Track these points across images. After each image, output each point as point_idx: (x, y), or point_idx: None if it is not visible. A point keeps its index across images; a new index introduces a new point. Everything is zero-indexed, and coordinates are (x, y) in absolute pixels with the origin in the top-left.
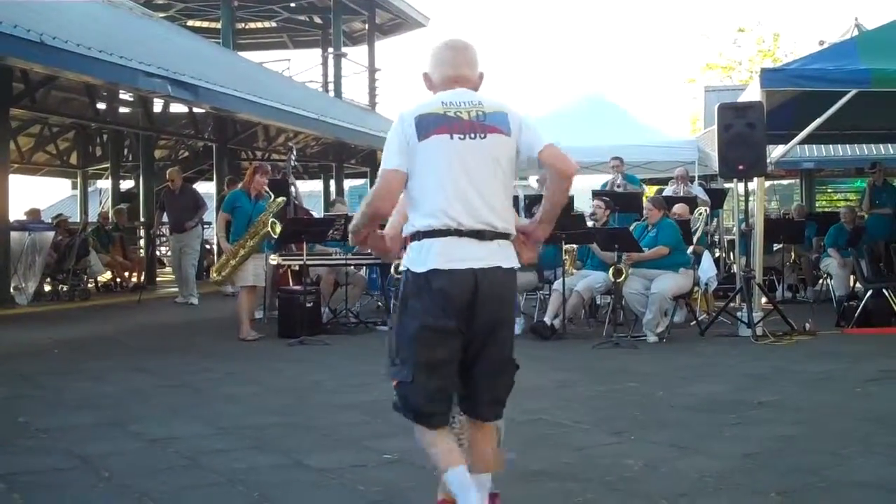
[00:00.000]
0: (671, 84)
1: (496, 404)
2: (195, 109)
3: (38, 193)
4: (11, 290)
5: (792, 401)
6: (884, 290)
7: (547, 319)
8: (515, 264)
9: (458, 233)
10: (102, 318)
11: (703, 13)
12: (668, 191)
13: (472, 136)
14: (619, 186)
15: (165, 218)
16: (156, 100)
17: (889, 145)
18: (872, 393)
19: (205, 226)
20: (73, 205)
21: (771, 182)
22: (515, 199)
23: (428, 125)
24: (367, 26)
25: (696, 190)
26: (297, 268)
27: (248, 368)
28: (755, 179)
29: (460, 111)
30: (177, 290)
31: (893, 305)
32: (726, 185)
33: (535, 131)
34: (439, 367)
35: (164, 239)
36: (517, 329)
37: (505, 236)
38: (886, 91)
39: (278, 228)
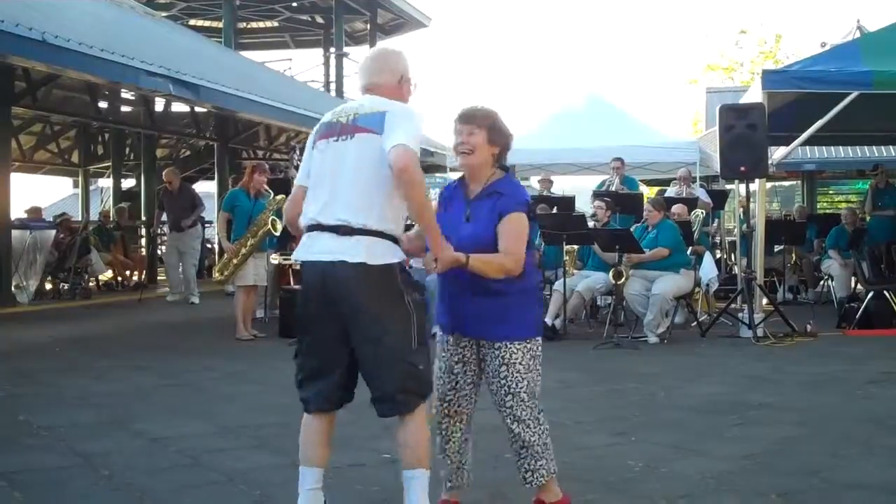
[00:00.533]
0: (672, 85)
1: (386, 401)
2: (197, 108)
3: (40, 192)
4: (13, 288)
5: (793, 402)
6: (885, 292)
7: (548, 320)
8: (372, 260)
9: (320, 227)
10: (103, 316)
11: (705, 14)
12: (671, 192)
13: (343, 138)
14: (620, 189)
15: (165, 217)
16: (157, 99)
17: (891, 147)
18: (873, 394)
19: (205, 225)
20: (75, 203)
21: (772, 183)
22: None
23: (318, 134)
24: (368, 26)
25: (698, 191)
26: (298, 266)
27: (250, 367)
28: (756, 181)
29: (341, 117)
30: (171, 288)
31: (895, 307)
32: (728, 187)
33: (396, 129)
34: (308, 350)
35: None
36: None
37: (370, 232)
38: (888, 93)
39: (279, 226)
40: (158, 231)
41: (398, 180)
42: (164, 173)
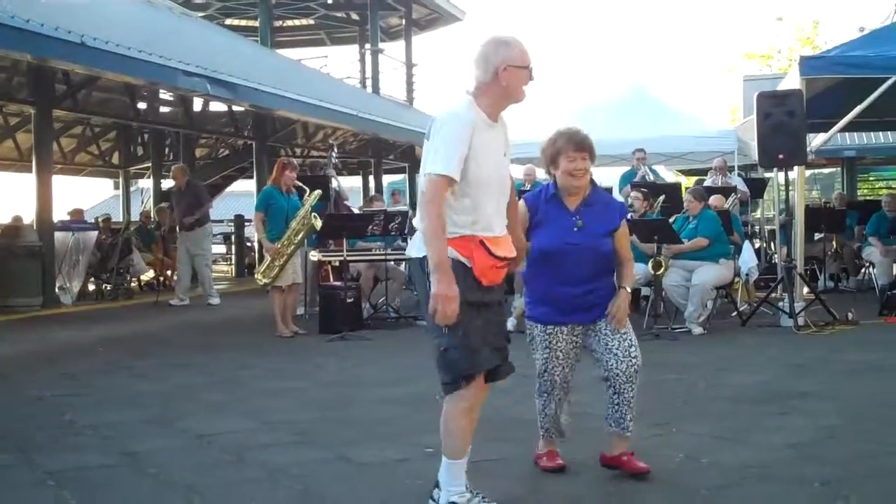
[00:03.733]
0: (711, 75)
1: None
2: (234, 107)
3: (82, 194)
4: (56, 289)
5: (834, 391)
6: None
7: None
8: (414, 253)
9: None
10: (146, 316)
11: (743, 1)
12: (708, 181)
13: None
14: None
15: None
16: (195, 98)
17: None
18: None
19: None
20: (116, 204)
21: (812, 171)
22: None
23: None
24: (403, 21)
25: (735, 180)
26: (337, 264)
27: (291, 364)
28: (795, 168)
29: None
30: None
31: None
32: (766, 175)
33: (429, 151)
34: None
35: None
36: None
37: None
38: None
39: (320, 223)
40: (162, 233)
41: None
42: (172, 170)
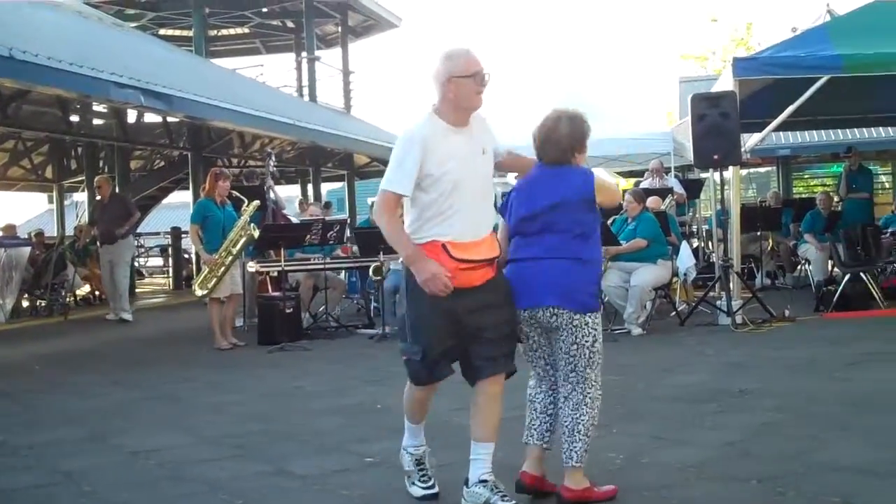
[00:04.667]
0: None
1: None
2: (169, 118)
3: (15, 209)
4: None
5: (772, 387)
6: (861, 274)
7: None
8: None
9: None
10: (82, 332)
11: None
12: (644, 183)
13: None
14: None
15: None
16: (129, 110)
17: (864, 129)
18: (851, 377)
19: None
20: (51, 219)
21: (748, 170)
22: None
23: None
24: (339, 29)
25: (672, 181)
26: (275, 274)
27: (230, 377)
28: (730, 168)
29: None
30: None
31: (871, 289)
32: (703, 176)
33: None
34: None
35: (143, 250)
36: None
37: None
38: (859, 76)
39: (257, 233)
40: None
41: None
42: (95, 180)
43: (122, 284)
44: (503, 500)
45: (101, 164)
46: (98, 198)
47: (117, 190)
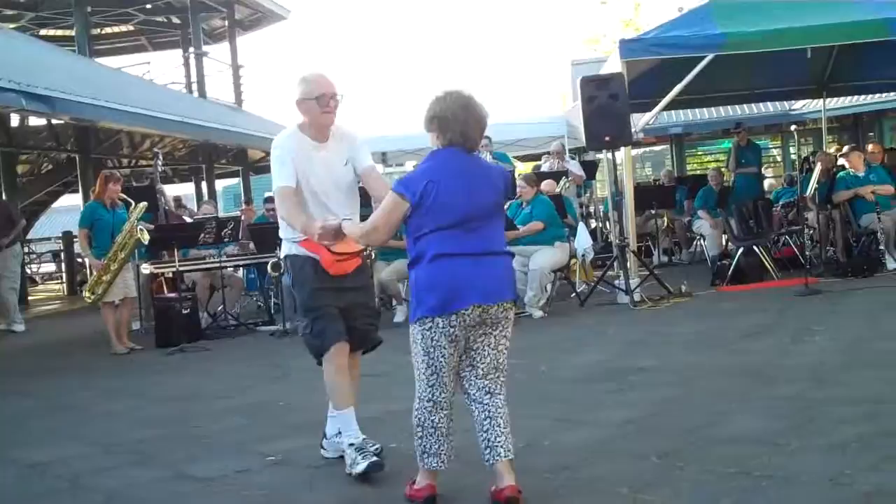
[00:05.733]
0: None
1: None
2: (54, 121)
3: None
4: None
5: (670, 363)
6: (754, 247)
7: None
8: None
9: None
10: None
11: None
12: (544, 166)
13: None
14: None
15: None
16: (12, 114)
17: (752, 105)
18: (747, 349)
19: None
20: None
21: (642, 149)
22: None
23: None
24: (226, 23)
25: (571, 164)
26: (171, 275)
27: (128, 382)
28: (622, 149)
29: None
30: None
31: (764, 261)
32: (598, 157)
33: None
34: None
35: (35, 257)
36: (400, 317)
37: None
38: (744, 53)
39: (147, 236)
40: None
41: None
42: None
43: (8, 297)
44: (363, 458)
45: None
46: None
47: (3, 196)
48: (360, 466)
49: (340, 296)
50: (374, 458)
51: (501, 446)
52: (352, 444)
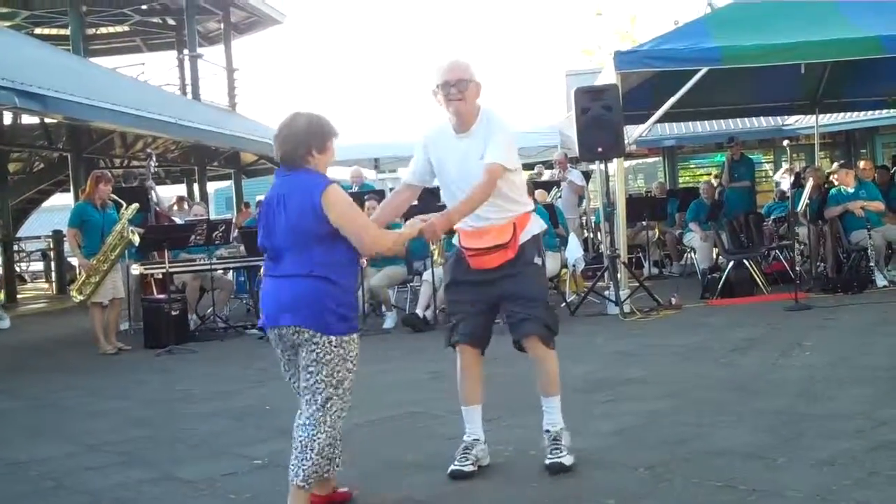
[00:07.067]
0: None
1: None
2: (47, 120)
3: None
4: None
5: (659, 375)
6: (745, 261)
7: (419, 311)
8: None
9: None
10: None
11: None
12: (546, 175)
13: None
14: None
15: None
16: (5, 112)
17: (746, 119)
18: (736, 362)
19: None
20: None
21: (635, 161)
22: None
23: None
24: (222, 26)
25: (573, 174)
26: (160, 276)
27: (115, 383)
28: (615, 160)
29: None
30: None
31: (755, 275)
32: (591, 167)
33: None
34: None
35: (24, 255)
36: (390, 323)
37: None
38: (737, 67)
39: (137, 238)
40: None
41: None
42: None
43: None
44: (550, 454)
45: None
46: None
47: None
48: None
49: (481, 290)
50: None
51: (294, 468)
52: (547, 431)
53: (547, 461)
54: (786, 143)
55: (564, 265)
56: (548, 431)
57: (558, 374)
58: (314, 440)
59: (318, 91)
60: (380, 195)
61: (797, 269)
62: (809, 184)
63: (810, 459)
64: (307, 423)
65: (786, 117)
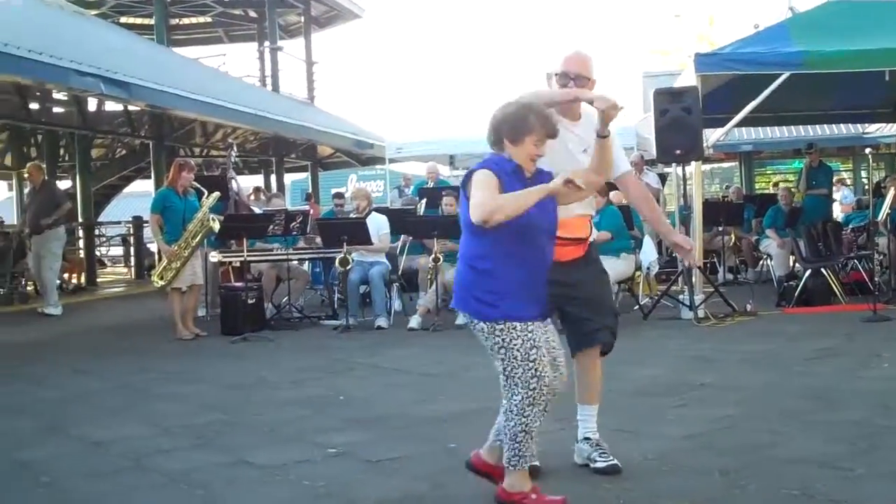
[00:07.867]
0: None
1: None
2: (130, 107)
3: None
4: None
5: (733, 381)
6: (822, 270)
7: None
8: None
9: None
10: (42, 321)
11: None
12: None
13: None
14: None
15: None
16: (90, 98)
17: (825, 126)
18: (811, 371)
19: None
20: (10, 207)
21: (711, 165)
22: None
23: None
24: (302, 19)
25: (649, 176)
26: (238, 264)
27: (191, 367)
28: (692, 163)
29: None
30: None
31: (832, 284)
32: (667, 170)
33: None
34: None
35: (104, 240)
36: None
37: None
38: (819, 72)
39: (217, 225)
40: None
41: None
42: (27, 167)
43: (47, 278)
44: (601, 457)
45: (61, 152)
46: (30, 185)
47: (77, 179)
48: (600, 464)
49: (563, 290)
50: (614, 461)
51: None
52: (588, 439)
53: (599, 465)
54: (867, 150)
55: (638, 268)
56: (588, 439)
57: None
58: (505, 426)
59: (395, 86)
60: (456, 192)
61: (876, 279)
62: (890, 193)
63: (889, 472)
64: (505, 406)
65: (867, 125)
